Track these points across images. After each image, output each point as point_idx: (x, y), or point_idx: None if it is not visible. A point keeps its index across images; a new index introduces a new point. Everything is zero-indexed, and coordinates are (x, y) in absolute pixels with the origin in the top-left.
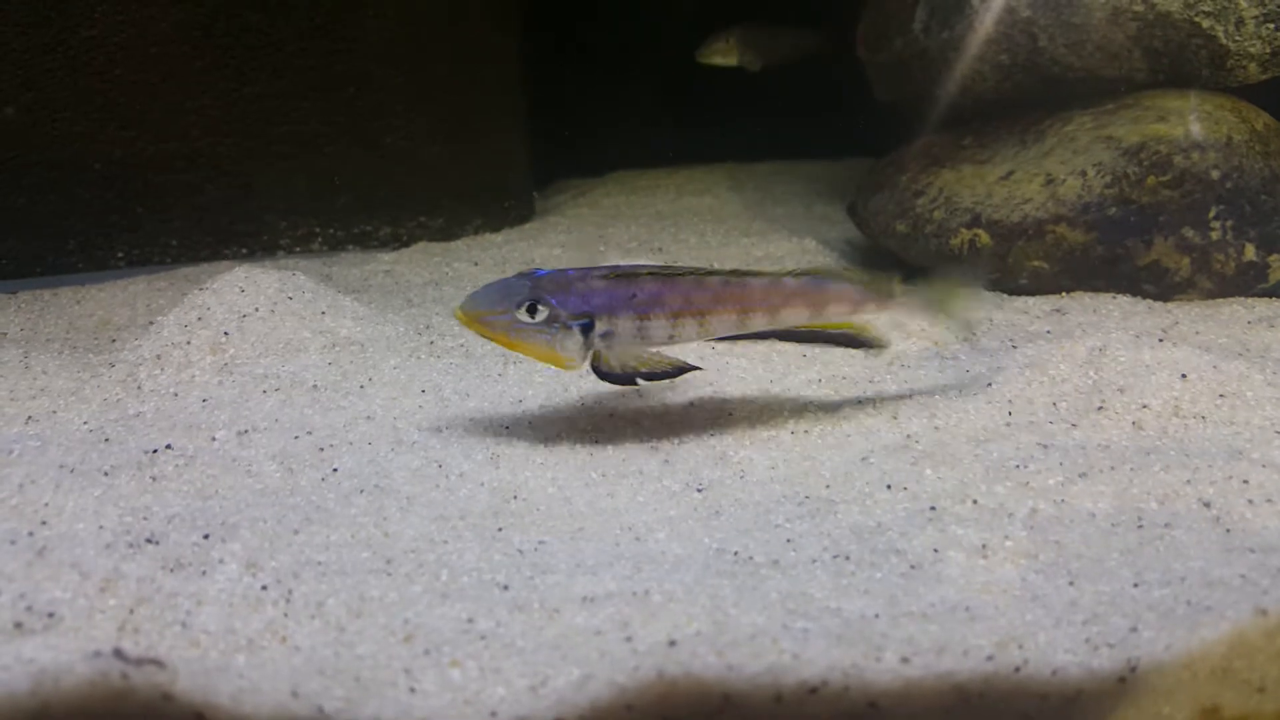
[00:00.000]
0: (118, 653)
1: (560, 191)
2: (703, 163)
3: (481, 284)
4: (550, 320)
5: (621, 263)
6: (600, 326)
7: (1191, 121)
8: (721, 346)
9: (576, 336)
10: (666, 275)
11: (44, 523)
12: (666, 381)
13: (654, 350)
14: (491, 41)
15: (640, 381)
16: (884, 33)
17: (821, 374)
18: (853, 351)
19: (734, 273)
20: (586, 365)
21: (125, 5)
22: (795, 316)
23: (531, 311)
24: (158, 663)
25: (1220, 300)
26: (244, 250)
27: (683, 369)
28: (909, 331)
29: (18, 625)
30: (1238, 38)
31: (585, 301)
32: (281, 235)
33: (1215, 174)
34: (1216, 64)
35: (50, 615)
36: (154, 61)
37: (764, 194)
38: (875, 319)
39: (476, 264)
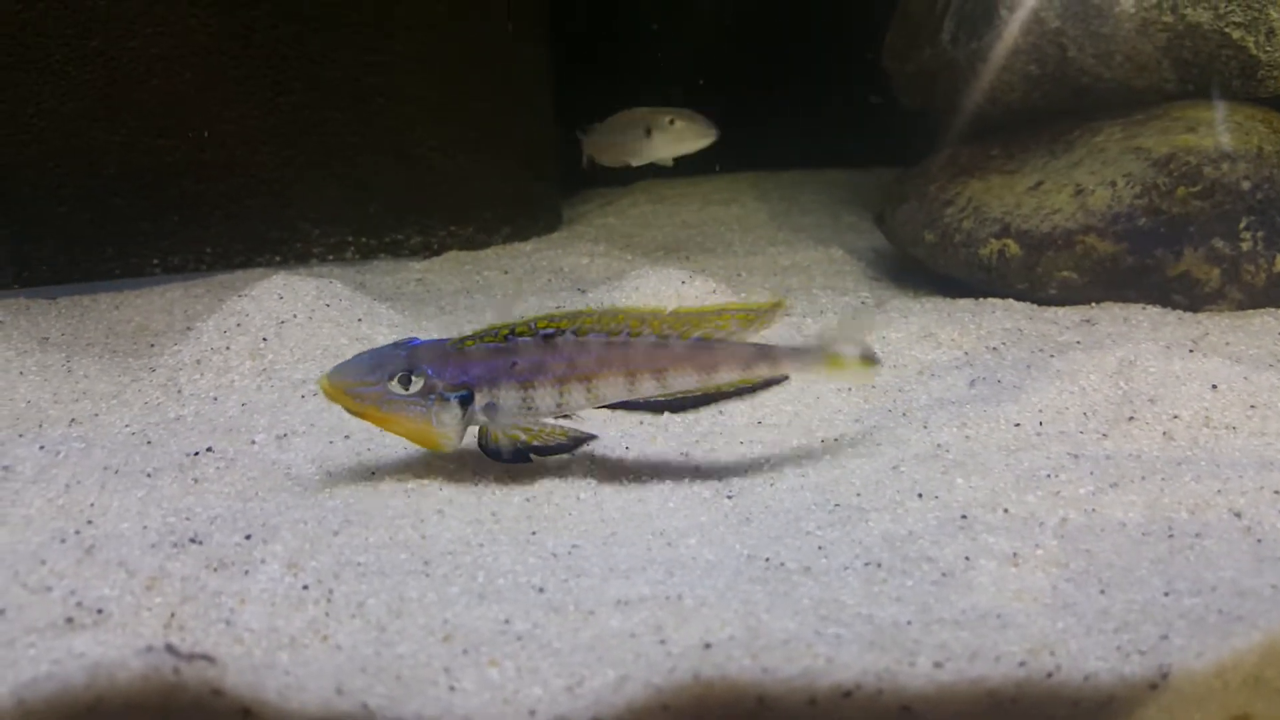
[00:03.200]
0: (170, 648)
1: (587, 201)
2: (728, 172)
3: (511, 293)
4: (426, 391)
5: (509, 320)
6: (481, 398)
7: (1221, 132)
8: None
9: (454, 409)
10: (545, 337)
11: (90, 522)
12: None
13: (546, 421)
14: (520, 53)
15: (533, 456)
16: (912, 43)
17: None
18: (884, 360)
19: (616, 327)
20: (460, 444)
21: (164, 18)
22: (684, 381)
23: (405, 382)
24: (208, 658)
25: (1251, 311)
26: (277, 258)
27: (579, 440)
28: (939, 341)
29: (69, 620)
30: (1268, 48)
31: (463, 371)
32: (315, 243)
33: (1246, 185)
34: (1247, 75)
35: (99, 611)
36: (191, 72)
37: (790, 203)
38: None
39: (506, 272)
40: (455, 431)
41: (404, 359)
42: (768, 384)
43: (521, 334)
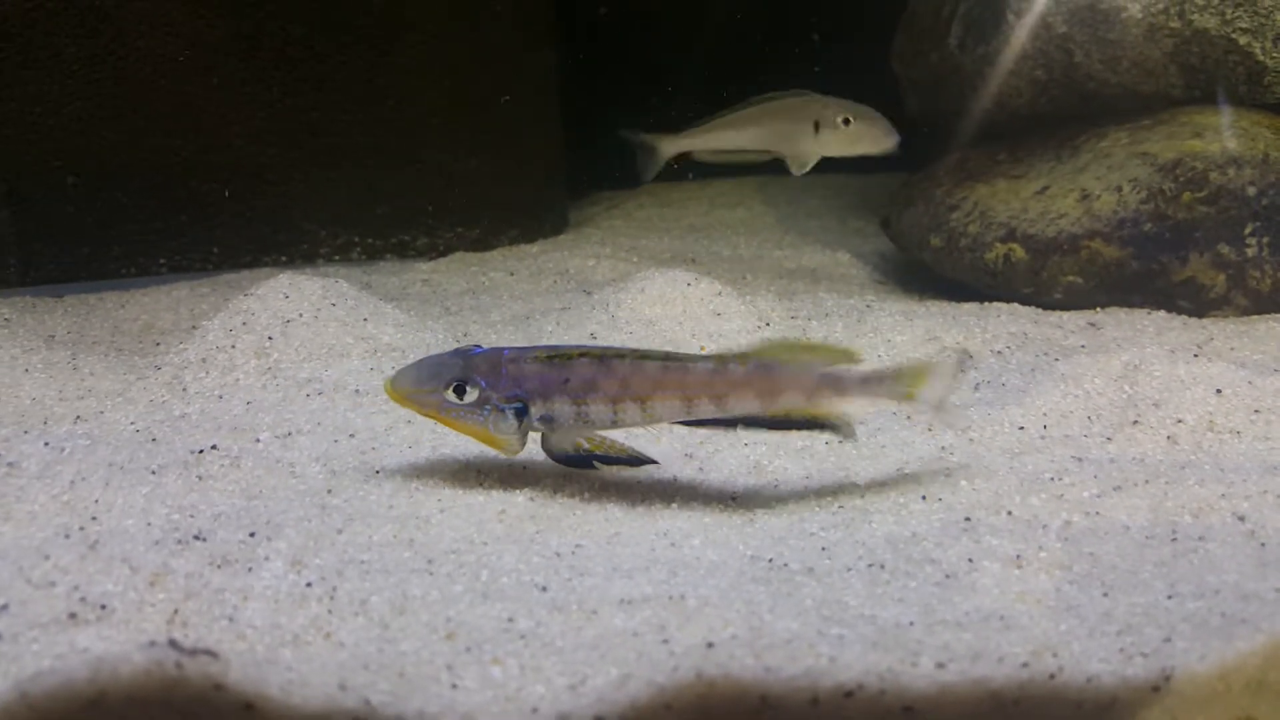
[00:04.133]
0: (173, 643)
1: (594, 203)
2: (735, 175)
3: (520, 292)
4: (480, 402)
5: (559, 343)
6: (536, 410)
7: (1228, 138)
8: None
9: (510, 420)
10: (601, 358)
11: (94, 518)
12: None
13: (607, 435)
14: (527, 56)
15: (597, 465)
16: (919, 48)
17: None
18: (888, 363)
19: (670, 356)
20: (523, 449)
21: (173, 18)
22: (744, 405)
23: (459, 392)
24: (211, 653)
25: (1256, 317)
26: (284, 258)
27: (641, 460)
28: (944, 344)
29: (72, 616)
30: (1275, 54)
31: (517, 384)
32: (321, 244)
33: (1251, 190)
34: (1253, 80)
35: (103, 607)
36: (200, 73)
37: (796, 207)
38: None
39: (512, 274)
40: (514, 439)
41: (459, 369)
42: (834, 429)
43: (582, 356)
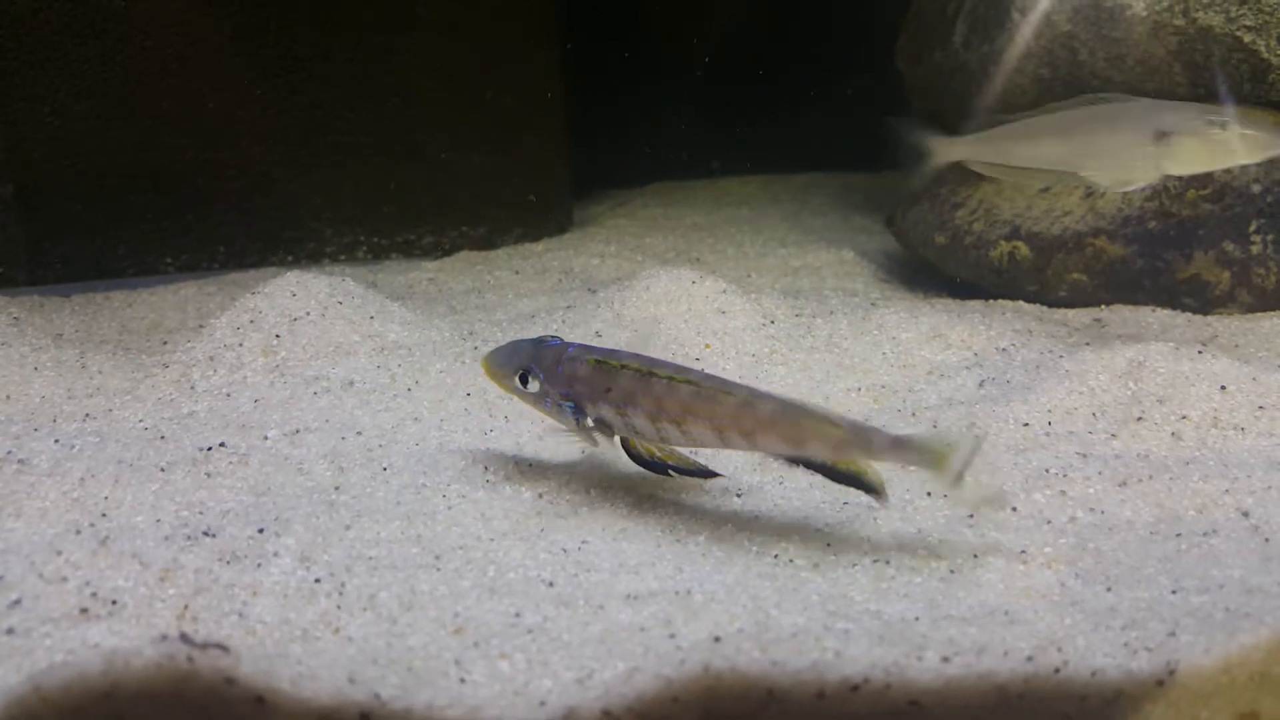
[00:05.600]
0: (184, 637)
1: (598, 202)
2: (739, 174)
3: (525, 291)
4: (542, 394)
5: (619, 349)
6: (590, 412)
7: None
8: (760, 353)
9: (569, 416)
10: (643, 374)
11: (104, 515)
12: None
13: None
14: (533, 55)
15: (672, 473)
16: (924, 46)
17: (862, 382)
18: (893, 360)
19: (706, 382)
20: (595, 446)
21: (180, 16)
22: (771, 445)
23: (524, 381)
24: (222, 647)
25: (1260, 314)
26: (290, 257)
27: (709, 474)
28: (949, 342)
29: (84, 611)
30: (1279, 52)
31: (568, 385)
32: (327, 243)
33: (1256, 188)
34: (1258, 78)
35: (114, 602)
36: (206, 72)
37: (801, 205)
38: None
39: (517, 273)
40: (580, 434)
41: (526, 358)
42: (868, 490)
43: (624, 368)
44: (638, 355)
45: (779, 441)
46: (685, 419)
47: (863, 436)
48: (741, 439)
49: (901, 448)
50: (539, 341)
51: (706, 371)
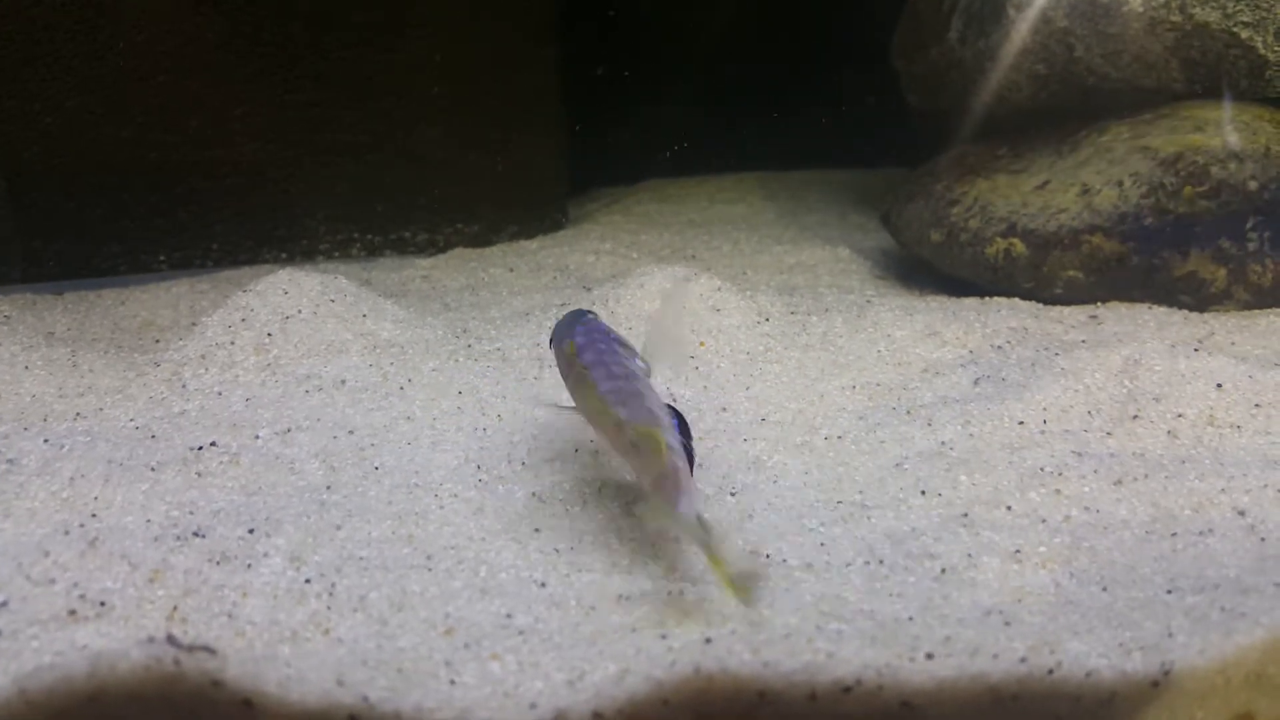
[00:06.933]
0: (171, 639)
1: (593, 199)
2: (735, 171)
3: (519, 288)
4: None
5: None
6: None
7: (1229, 132)
8: (755, 350)
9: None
10: (581, 369)
11: (94, 515)
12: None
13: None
14: (528, 52)
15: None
16: (919, 42)
17: (855, 380)
18: (888, 358)
19: (611, 394)
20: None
21: (172, 13)
22: (624, 454)
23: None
24: (209, 650)
25: (1257, 312)
26: (283, 254)
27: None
28: (944, 339)
29: (71, 612)
30: (1277, 48)
31: (563, 363)
32: (321, 240)
33: (1253, 185)
34: (1255, 74)
35: (102, 604)
36: (200, 69)
37: (797, 202)
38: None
39: (512, 270)
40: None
41: (567, 325)
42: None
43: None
44: (609, 348)
45: (627, 454)
46: (591, 420)
47: (673, 488)
48: (609, 445)
49: (693, 528)
50: (579, 314)
51: (635, 381)
